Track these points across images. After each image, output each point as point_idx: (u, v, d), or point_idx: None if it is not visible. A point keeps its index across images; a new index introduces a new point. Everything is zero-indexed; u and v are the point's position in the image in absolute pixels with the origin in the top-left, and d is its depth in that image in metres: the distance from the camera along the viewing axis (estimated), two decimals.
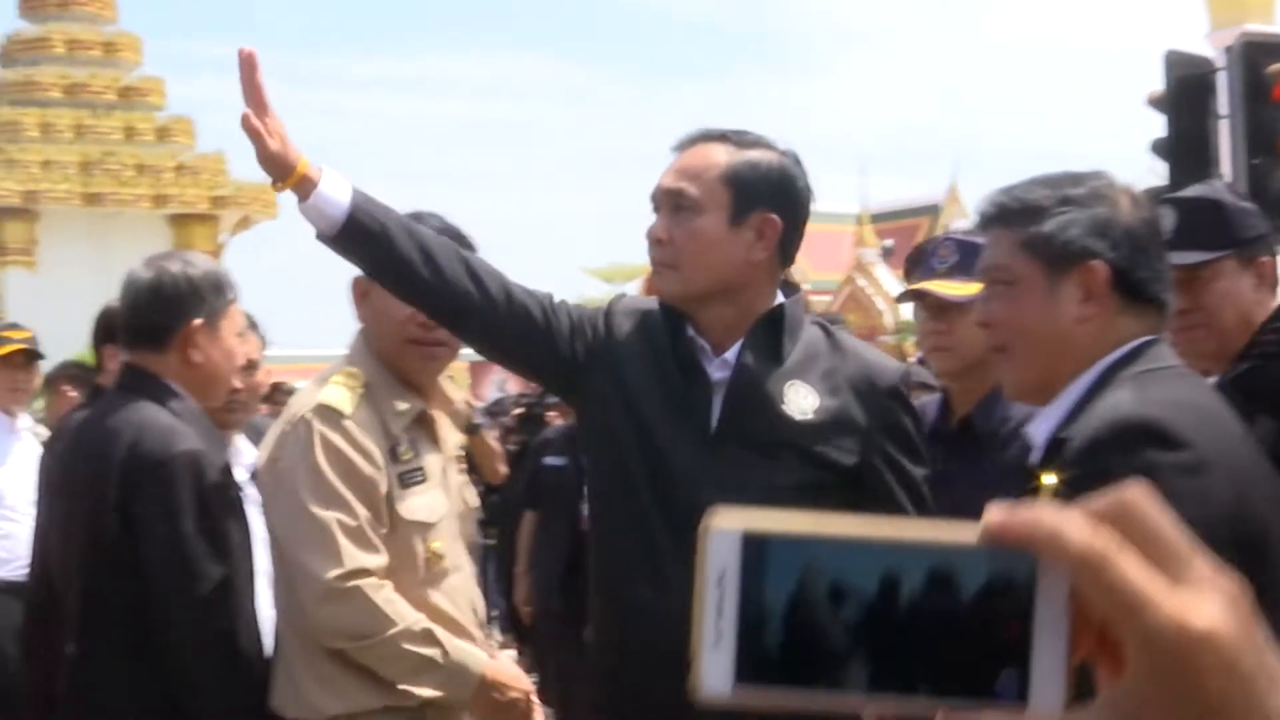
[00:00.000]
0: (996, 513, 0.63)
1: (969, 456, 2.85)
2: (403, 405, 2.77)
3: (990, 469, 2.72)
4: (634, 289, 41.04)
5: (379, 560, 2.65)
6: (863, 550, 0.62)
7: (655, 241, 2.46)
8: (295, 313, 54.16)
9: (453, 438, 3.00)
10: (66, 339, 13.95)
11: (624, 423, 2.47)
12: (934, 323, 2.98)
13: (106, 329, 3.89)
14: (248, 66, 2.38)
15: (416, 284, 2.46)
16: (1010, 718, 0.62)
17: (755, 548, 0.61)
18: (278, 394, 7.40)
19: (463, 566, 2.91)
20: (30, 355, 5.66)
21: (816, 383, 2.44)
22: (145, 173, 35.27)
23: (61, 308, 23.33)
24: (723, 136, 2.47)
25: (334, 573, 2.58)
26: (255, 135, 2.35)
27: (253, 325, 3.47)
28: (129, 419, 2.81)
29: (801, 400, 2.42)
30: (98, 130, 36.39)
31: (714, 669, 0.61)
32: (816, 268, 27.22)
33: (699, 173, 2.43)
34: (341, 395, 2.70)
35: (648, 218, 2.53)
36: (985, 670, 0.61)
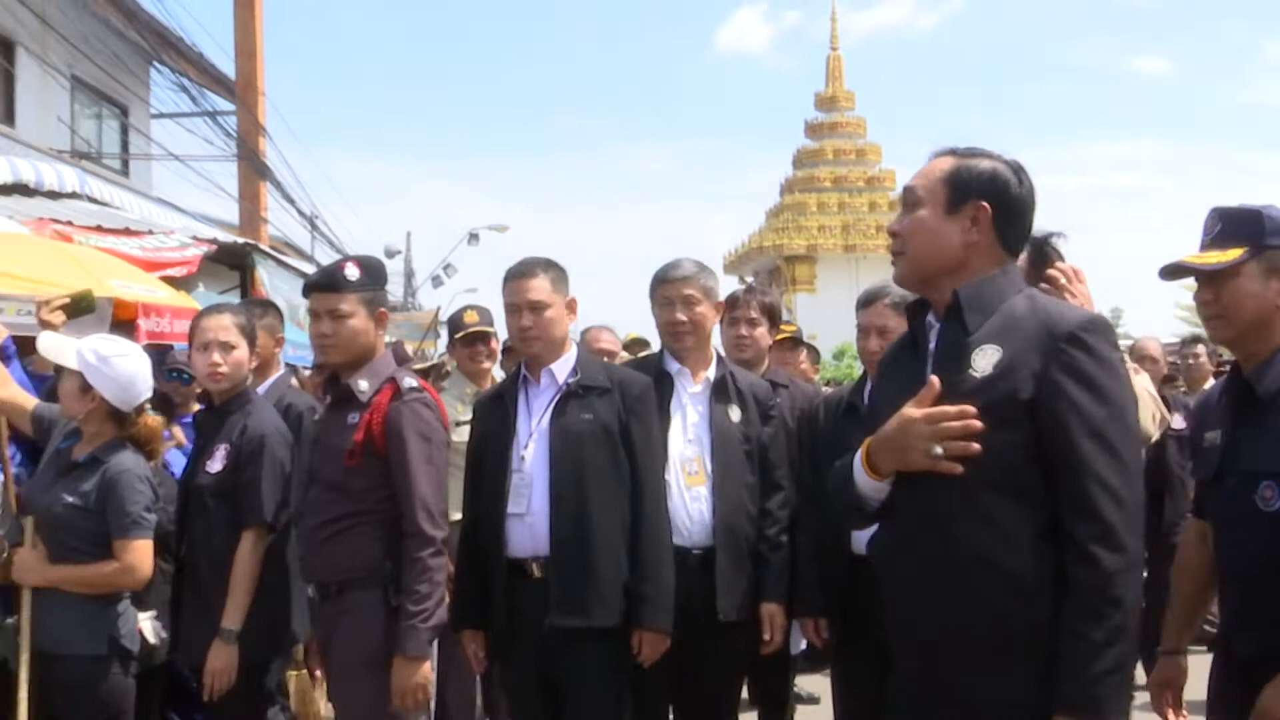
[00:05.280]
0: None
1: (1250, 421, 2.82)
2: None
3: (1272, 432, 2.74)
4: None
5: None
6: None
7: (891, 235, 2.62)
8: None
9: None
10: (832, 337, 32.78)
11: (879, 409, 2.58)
12: (1201, 293, 2.91)
13: None
14: None
15: None
16: None
17: None
18: None
19: None
20: (796, 342, 6.52)
21: (1005, 342, 2.42)
22: (881, 232, 48.57)
23: (830, 320, 37.81)
24: (953, 151, 2.60)
25: None
26: None
27: None
28: None
29: (987, 359, 2.42)
30: (853, 206, 50.18)
31: None
32: None
33: (927, 175, 2.58)
34: None
35: None
36: None
